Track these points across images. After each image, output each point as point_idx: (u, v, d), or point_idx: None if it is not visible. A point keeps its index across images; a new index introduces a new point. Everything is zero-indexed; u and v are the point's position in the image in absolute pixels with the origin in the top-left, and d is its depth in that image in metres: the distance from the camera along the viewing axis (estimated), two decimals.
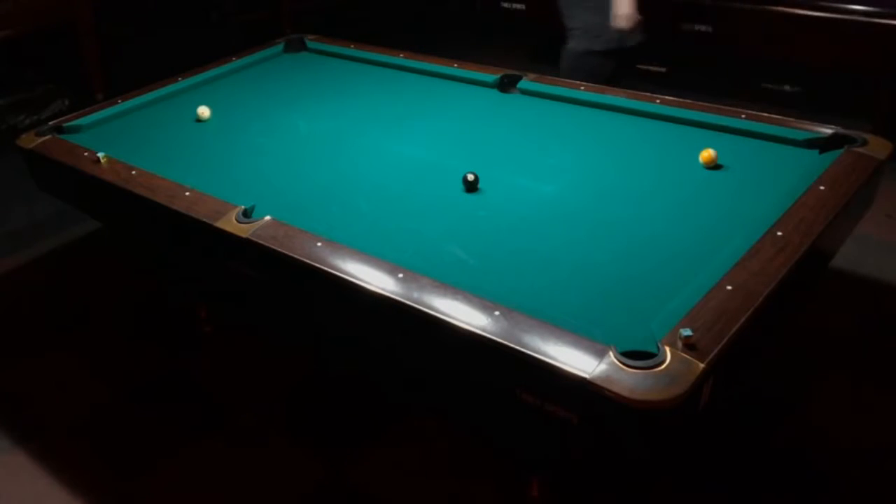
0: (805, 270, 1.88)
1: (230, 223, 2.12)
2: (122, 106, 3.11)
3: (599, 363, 1.49)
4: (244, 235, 2.05)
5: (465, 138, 2.71)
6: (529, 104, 2.94)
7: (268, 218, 2.10)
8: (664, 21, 4.09)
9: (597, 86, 2.95)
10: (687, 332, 1.52)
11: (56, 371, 2.93)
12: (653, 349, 1.53)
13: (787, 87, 4.16)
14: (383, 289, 1.78)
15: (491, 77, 3.08)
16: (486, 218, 2.18)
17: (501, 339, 1.59)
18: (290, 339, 2.85)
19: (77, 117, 2.98)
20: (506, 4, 4.76)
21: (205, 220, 2.16)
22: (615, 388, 1.43)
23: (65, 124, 2.92)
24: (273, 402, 2.68)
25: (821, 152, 2.35)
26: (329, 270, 1.87)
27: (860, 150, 2.27)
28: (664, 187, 2.29)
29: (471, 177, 2.29)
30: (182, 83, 3.29)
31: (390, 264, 1.85)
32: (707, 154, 2.34)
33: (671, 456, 2.18)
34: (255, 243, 2.02)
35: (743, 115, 2.58)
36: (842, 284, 3.05)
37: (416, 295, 1.74)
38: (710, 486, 2.25)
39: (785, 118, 2.56)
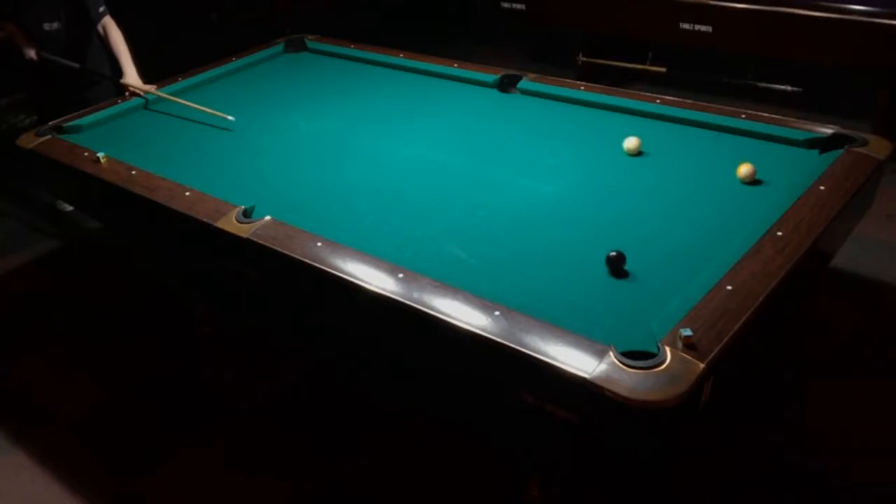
0: (805, 270, 1.88)
1: (230, 223, 2.12)
2: (122, 106, 3.11)
3: (600, 363, 1.49)
4: (244, 235, 2.05)
5: (465, 138, 2.71)
6: (529, 104, 2.94)
7: (268, 218, 2.10)
8: (664, 21, 4.09)
9: (597, 86, 2.95)
10: (687, 332, 1.52)
11: (56, 371, 2.93)
12: (653, 349, 1.53)
13: (787, 87, 4.15)
14: (383, 289, 1.78)
15: (491, 77, 3.08)
16: (486, 218, 2.18)
17: (501, 339, 1.59)
18: (290, 339, 2.85)
19: (77, 117, 2.98)
20: (506, 4, 4.75)
21: (205, 220, 2.16)
22: (615, 388, 1.43)
23: (65, 124, 2.92)
24: (272, 402, 2.68)
25: (821, 152, 2.35)
26: (329, 270, 1.87)
27: (860, 150, 2.27)
28: (664, 187, 2.29)
29: (613, 254, 1.88)
30: (182, 83, 3.29)
31: (390, 264, 1.85)
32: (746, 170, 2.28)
33: (671, 455, 2.18)
34: (255, 243, 2.02)
35: (743, 115, 2.57)
36: (842, 284, 3.05)
37: (416, 295, 1.74)
38: (709, 486, 2.25)
39: (785, 118, 2.56)
